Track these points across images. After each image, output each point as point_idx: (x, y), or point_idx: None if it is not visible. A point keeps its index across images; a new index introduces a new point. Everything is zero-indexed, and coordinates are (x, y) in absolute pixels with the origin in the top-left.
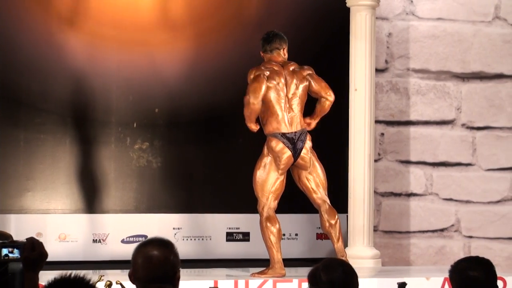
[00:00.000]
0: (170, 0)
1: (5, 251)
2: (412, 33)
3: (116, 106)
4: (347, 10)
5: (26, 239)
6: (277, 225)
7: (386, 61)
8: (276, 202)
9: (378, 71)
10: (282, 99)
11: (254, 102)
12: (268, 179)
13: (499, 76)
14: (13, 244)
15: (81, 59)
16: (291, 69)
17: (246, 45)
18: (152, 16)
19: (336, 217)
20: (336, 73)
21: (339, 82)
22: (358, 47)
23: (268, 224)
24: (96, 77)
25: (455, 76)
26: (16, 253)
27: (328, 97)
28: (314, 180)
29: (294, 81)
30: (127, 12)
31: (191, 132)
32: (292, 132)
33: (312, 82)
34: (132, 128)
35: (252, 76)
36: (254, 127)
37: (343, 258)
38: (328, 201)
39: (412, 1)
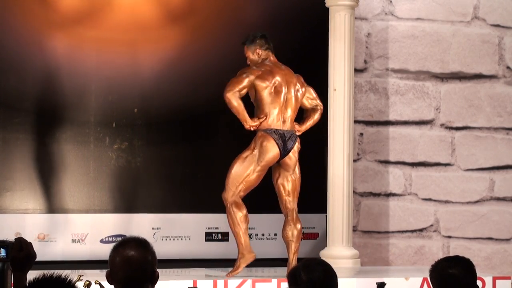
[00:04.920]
0: (149, 1)
1: None
2: (391, 33)
3: (95, 106)
4: (326, 10)
5: (15, 239)
6: (244, 211)
7: (365, 61)
8: (243, 194)
9: (357, 71)
10: (279, 96)
11: (231, 96)
12: (245, 171)
13: (478, 76)
14: (0, 243)
15: (60, 59)
16: (294, 74)
17: (225, 44)
18: (131, 17)
19: (299, 226)
20: (315, 73)
21: (318, 82)
22: (337, 47)
23: (236, 209)
24: (75, 77)
25: (434, 76)
26: (2, 253)
27: (321, 105)
28: (293, 185)
29: (295, 83)
30: (106, 12)
31: (170, 132)
32: (284, 130)
33: (309, 90)
34: (111, 128)
35: (238, 74)
36: (251, 123)
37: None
38: (296, 210)
39: (391, 1)
